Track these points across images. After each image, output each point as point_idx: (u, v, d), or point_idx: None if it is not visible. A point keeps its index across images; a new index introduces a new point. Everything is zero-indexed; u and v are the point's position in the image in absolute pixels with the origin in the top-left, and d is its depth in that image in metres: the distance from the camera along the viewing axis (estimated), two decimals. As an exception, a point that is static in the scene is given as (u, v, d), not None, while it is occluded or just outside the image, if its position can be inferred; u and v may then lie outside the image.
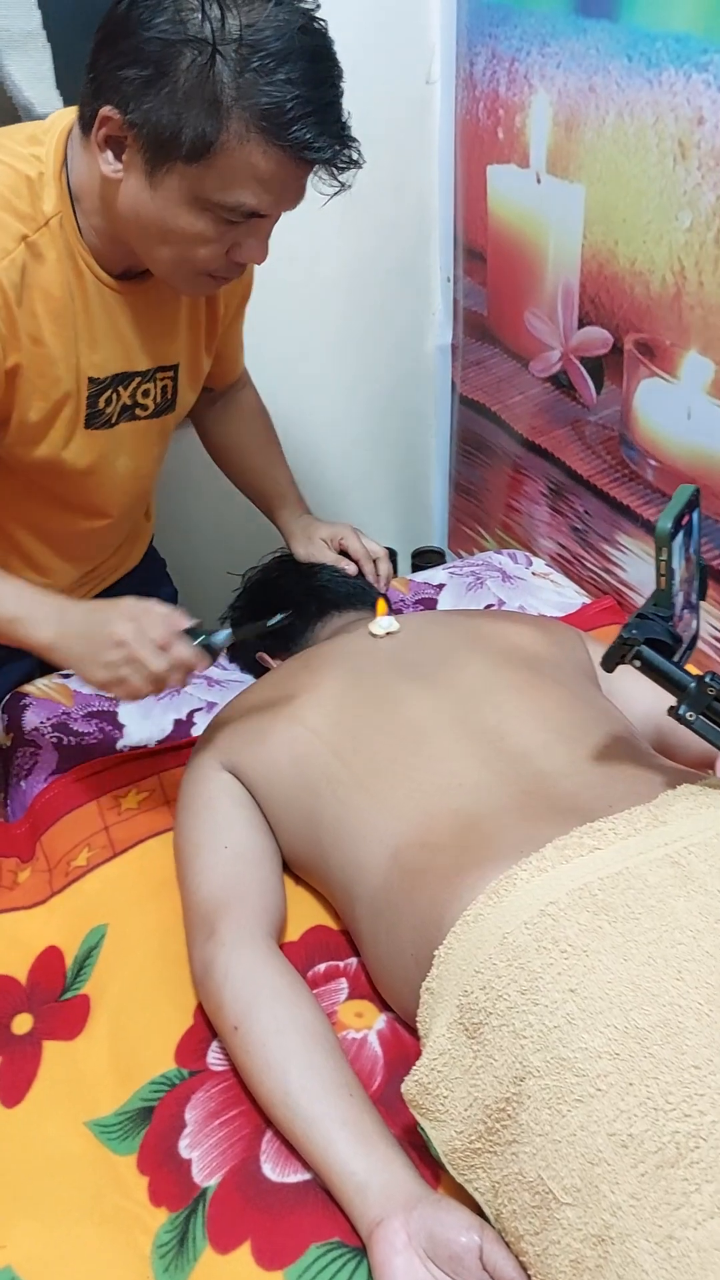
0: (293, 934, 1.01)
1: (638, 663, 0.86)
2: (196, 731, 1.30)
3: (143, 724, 1.32)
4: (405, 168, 1.73)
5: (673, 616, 0.86)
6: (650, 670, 0.85)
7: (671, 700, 0.85)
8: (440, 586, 1.61)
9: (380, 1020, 0.93)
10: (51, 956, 1.03)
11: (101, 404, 1.12)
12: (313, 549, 1.41)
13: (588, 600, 1.62)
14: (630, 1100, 0.68)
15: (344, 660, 1.10)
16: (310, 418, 1.86)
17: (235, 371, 1.41)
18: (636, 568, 1.56)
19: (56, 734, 1.29)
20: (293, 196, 0.98)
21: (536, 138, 1.48)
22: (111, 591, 1.41)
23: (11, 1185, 0.83)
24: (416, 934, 0.84)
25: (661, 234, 1.32)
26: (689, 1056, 0.67)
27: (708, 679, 0.84)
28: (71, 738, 1.29)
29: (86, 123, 0.95)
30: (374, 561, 1.40)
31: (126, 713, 1.34)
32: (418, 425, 1.99)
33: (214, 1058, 0.91)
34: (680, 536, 0.84)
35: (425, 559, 2.00)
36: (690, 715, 0.84)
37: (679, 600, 0.86)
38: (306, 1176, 0.81)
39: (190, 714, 1.34)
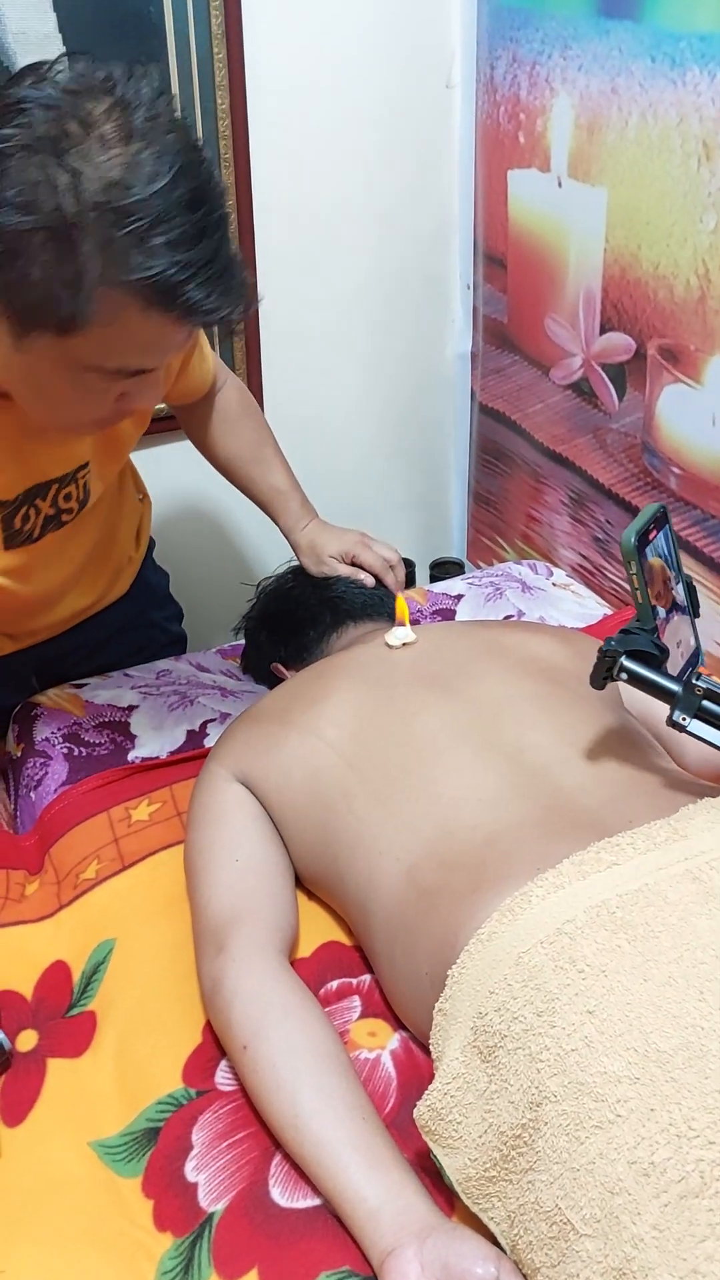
0: (305, 950, 0.99)
1: (624, 675, 0.86)
2: (209, 742, 1.28)
3: (154, 735, 1.31)
4: (425, 173, 1.72)
5: (655, 628, 0.86)
6: (637, 681, 0.86)
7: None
8: (459, 597, 1.59)
9: (394, 1040, 0.91)
10: (58, 971, 1.01)
11: (18, 523, 1.06)
12: (324, 569, 1.36)
13: (609, 611, 1.59)
14: (652, 1127, 0.66)
15: (359, 671, 1.08)
16: (329, 426, 1.84)
17: (204, 387, 1.29)
18: (659, 577, 1.53)
19: (67, 745, 1.28)
20: (181, 343, 0.88)
21: (558, 141, 1.47)
22: (106, 614, 1.38)
23: (12, 1208, 0.81)
24: (432, 953, 0.81)
25: (686, 236, 1.30)
26: (713, 1081, 0.65)
27: (693, 680, 0.84)
28: (82, 749, 1.28)
29: None
30: (390, 569, 1.38)
31: (138, 724, 1.32)
32: (437, 434, 1.97)
33: (222, 1077, 0.89)
34: (649, 551, 0.85)
35: (444, 570, 1.98)
36: (683, 719, 0.85)
37: (659, 611, 0.86)
38: (316, 1202, 0.78)
39: (203, 725, 1.33)
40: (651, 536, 0.87)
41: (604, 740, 0.95)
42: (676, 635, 0.90)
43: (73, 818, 1.16)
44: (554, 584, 1.65)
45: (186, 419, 1.35)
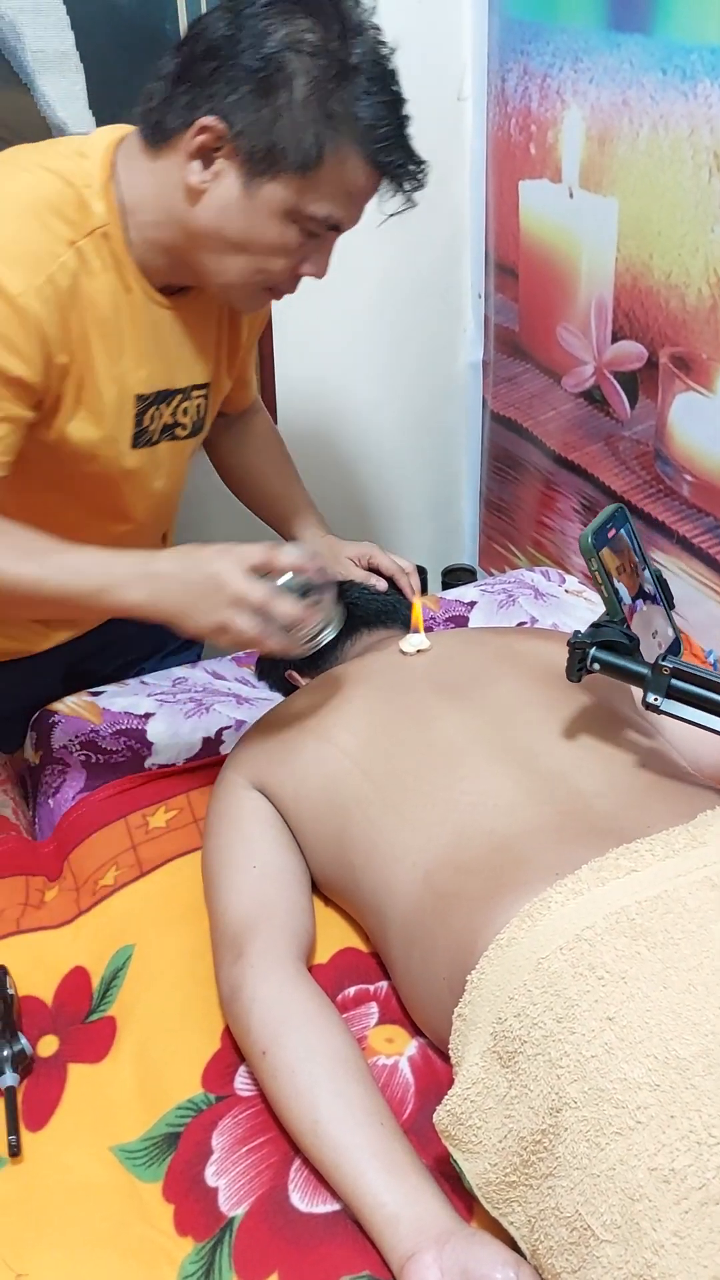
0: (322, 956, 1.00)
1: (596, 666, 0.91)
2: (225, 750, 1.29)
3: (171, 742, 1.31)
4: (437, 185, 1.69)
5: (624, 619, 0.90)
6: (609, 669, 0.91)
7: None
8: (472, 604, 1.60)
9: (412, 1046, 0.91)
10: (78, 977, 1.01)
11: (146, 421, 1.12)
12: (339, 569, 1.38)
13: (622, 618, 1.59)
14: (672, 1133, 0.66)
15: (374, 678, 1.09)
16: (341, 435, 1.85)
17: (250, 397, 1.39)
18: (672, 585, 1.52)
19: (84, 752, 1.29)
20: (362, 210, 1.03)
21: (569, 152, 1.48)
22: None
23: (34, 1212, 0.82)
24: (449, 958, 0.82)
25: (697, 246, 1.31)
26: (733, 1088, 0.65)
27: (660, 661, 0.88)
28: (99, 756, 1.28)
29: (163, 134, 0.97)
30: (405, 574, 1.39)
31: (155, 731, 1.33)
32: (449, 442, 1.98)
33: (241, 1082, 0.89)
34: (612, 546, 0.91)
35: (456, 577, 1.99)
36: (657, 700, 0.88)
37: (625, 604, 0.90)
38: (336, 1207, 0.79)
39: (219, 732, 1.33)
40: (611, 534, 0.92)
41: (620, 746, 0.95)
42: (650, 626, 0.94)
43: (91, 824, 1.17)
44: (566, 591, 1.65)
45: (221, 431, 1.36)
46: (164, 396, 1.12)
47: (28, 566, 0.96)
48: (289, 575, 0.98)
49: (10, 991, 0.97)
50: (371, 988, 0.97)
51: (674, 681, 0.89)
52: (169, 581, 0.96)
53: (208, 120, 0.94)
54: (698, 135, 1.26)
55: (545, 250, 1.60)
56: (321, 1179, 0.80)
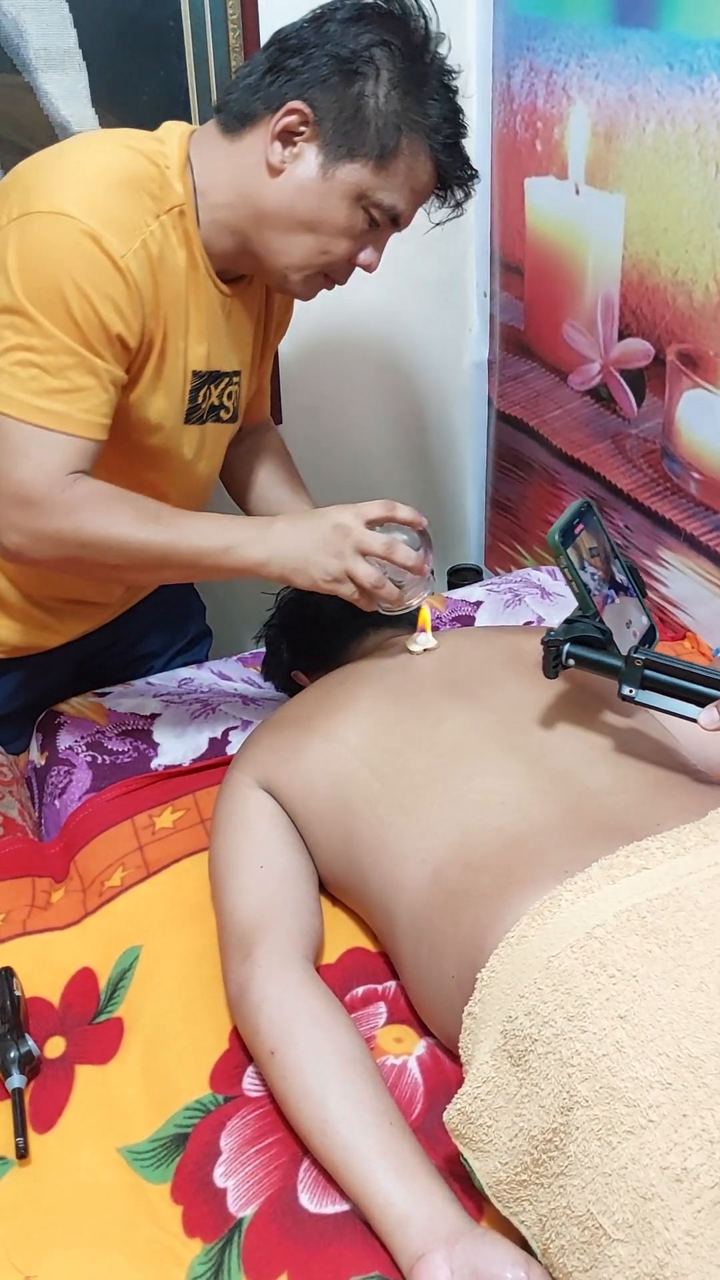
0: (330, 956, 0.99)
1: (571, 662, 0.93)
2: (231, 749, 1.29)
3: (177, 743, 1.31)
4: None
5: (596, 614, 0.91)
6: (584, 664, 0.92)
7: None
8: (478, 604, 1.59)
9: (420, 1046, 0.91)
10: (85, 978, 1.01)
11: (200, 398, 1.15)
12: None
13: (629, 616, 1.59)
14: (684, 1132, 0.65)
15: (382, 677, 1.09)
16: (347, 434, 1.85)
17: (265, 410, 1.42)
18: (679, 583, 1.52)
19: (90, 753, 1.28)
20: (414, 215, 1.10)
21: (575, 149, 1.47)
22: (148, 602, 1.41)
23: (43, 1214, 0.81)
24: (459, 957, 0.81)
25: (704, 243, 1.30)
26: (746, 1087, 0.64)
27: (633, 653, 0.90)
28: (105, 756, 1.28)
29: (245, 119, 1.04)
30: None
31: (161, 731, 1.32)
32: (455, 441, 1.97)
33: (250, 1083, 0.89)
34: (574, 545, 0.92)
35: (462, 576, 1.98)
36: (631, 692, 0.91)
37: (596, 598, 0.92)
38: (345, 1207, 0.78)
39: (225, 732, 1.33)
40: (578, 530, 0.93)
41: (628, 743, 0.95)
42: (624, 617, 0.95)
43: (97, 825, 1.17)
44: (573, 590, 1.65)
45: (234, 444, 1.35)
46: (214, 377, 1.16)
47: (159, 531, 1.03)
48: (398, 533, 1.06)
49: (17, 993, 0.96)
50: (380, 987, 0.96)
51: (647, 672, 0.90)
52: (288, 536, 1.04)
53: (295, 104, 1.01)
54: (704, 131, 1.25)
55: (551, 247, 1.59)
56: (330, 1179, 0.79)
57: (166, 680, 1.44)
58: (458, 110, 1.06)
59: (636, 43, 1.32)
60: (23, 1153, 0.85)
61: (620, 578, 0.97)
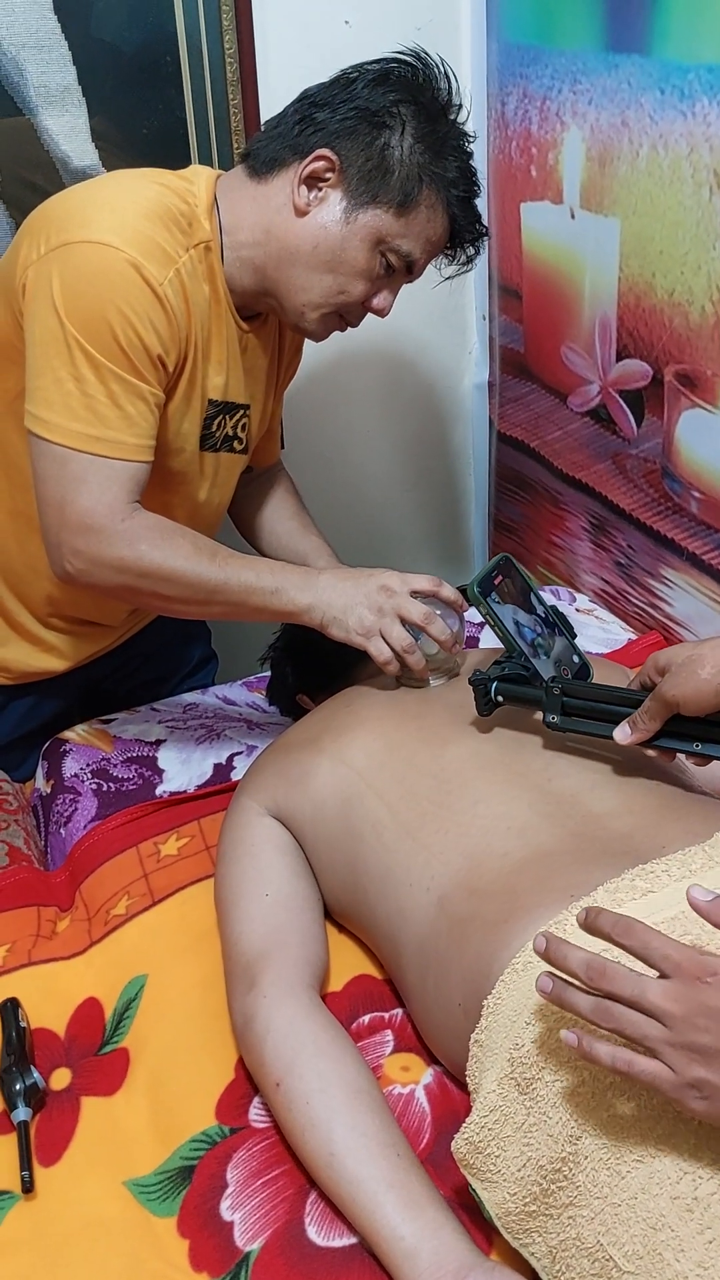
0: (335, 984, 0.99)
1: (500, 698, 0.98)
2: (236, 776, 1.28)
3: (182, 769, 1.31)
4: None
5: (522, 654, 0.98)
6: (511, 699, 0.98)
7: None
8: (483, 625, 1.59)
9: (427, 1074, 0.90)
10: (90, 1008, 1.00)
11: (214, 427, 1.18)
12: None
13: (634, 636, 1.58)
14: (693, 1161, 0.65)
15: (387, 700, 1.09)
16: (349, 458, 1.86)
17: (277, 453, 1.44)
18: (683, 602, 1.52)
19: (96, 780, 1.28)
20: (426, 267, 1.15)
21: (570, 174, 1.48)
22: (153, 627, 1.41)
23: (49, 1248, 0.81)
24: (465, 984, 0.81)
25: (699, 264, 1.31)
26: (755, 1114, 0.63)
27: (549, 684, 0.96)
28: (111, 784, 1.28)
29: (273, 165, 1.09)
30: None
31: (166, 758, 1.32)
32: (456, 463, 1.98)
33: (256, 1114, 0.88)
34: (495, 595, 1.00)
35: (466, 598, 1.98)
36: (555, 719, 0.95)
37: (521, 642, 0.99)
38: (353, 1240, 0.78)
39: (230, 758, 1.33)
40: (498, 580, 1.01)
41: (631, 766, 0.95)
42: (558, 658, 1.02)
43: (102, 853, 1.17)
44: (577, 610, 1.65)
45: (244, 485, 1.36)
46: (229, 409, 1.19)
47: (214, 568, 1.07)
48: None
49: (22, 1024, 0.96)
50: (386, 1015, 0.96)
51: (566, 699, 0.95)
52: (335, 587, 1.10)
53: (323, 150, 1.06)
54: (697, 154, 1.26)
55: (548, 271, 1.60)
56: (338, 1212, 0.79)
57: (171, 706, 1.44)
58: (472, 171, 1.11)
59: (628, 68, 1.33)
60: (28, 1187, 0.84)
61: (549, 623, 1.04)
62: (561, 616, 1.07)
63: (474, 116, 1.66)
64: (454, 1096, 0.88)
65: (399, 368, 1.84)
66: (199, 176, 1.11)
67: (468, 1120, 0.74)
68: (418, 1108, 0.87)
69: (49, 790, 1.31)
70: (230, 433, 1.21)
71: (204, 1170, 0.84)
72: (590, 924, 0.67)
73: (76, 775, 1.29)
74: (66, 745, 1.34)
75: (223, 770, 1.31)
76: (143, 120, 1.44)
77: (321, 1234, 0.79)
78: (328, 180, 1.07)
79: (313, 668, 1.32)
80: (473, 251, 1.16)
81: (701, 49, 1.23)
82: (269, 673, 1.44)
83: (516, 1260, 0.74)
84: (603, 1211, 0.67)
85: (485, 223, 1.16)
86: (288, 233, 1.09)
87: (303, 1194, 0.81)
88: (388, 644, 1.08)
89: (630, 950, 0.65)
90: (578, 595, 1.71)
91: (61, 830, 1.25)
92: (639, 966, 0.65)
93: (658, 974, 0.64)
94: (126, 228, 1.00)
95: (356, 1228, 0.77)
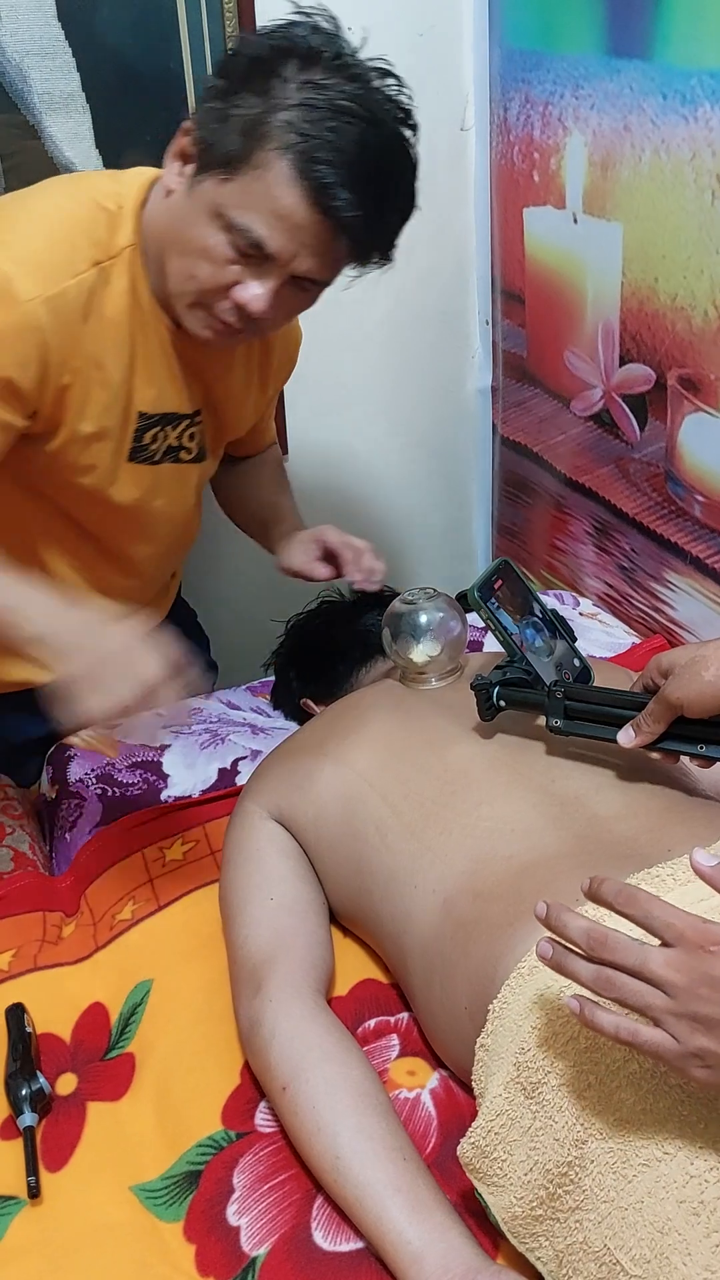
0: (341, 988, 0.99)
1: (503, 703, 0.98)
2: (241, 780, 1.29)
3: (187, 774, 1.31)
4: (442, 214, 1.74)
5: (523, 658, 0.98)
6: (514, 703, 0.98)
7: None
8: (485, 630, 1.59)
9: (433, 1079, 0.90)
10: (96, 1013, 1.01)
11: (147, 439, 1.13)
12: (292, 551, 1.28)
13: (637, 640, 1.58)
14: (700, 1164, 0.65)
15: (390, 703, 1.09)
16: (352, 462, 1.86)
17: (262, 443, 1.41)
18: (686, 606, 1.52)
19: (100, 785, 1.28)
20: (310, 253, 0.96)
21: (572, 179, 1.49)
22: None
23: (55, 1255, 0.81)
24: (470, 988, 0.81)
25: (702, 268, 1.31)
26: (762, 1118, 0.64)
27: (552, 688, 0.95)
28: (115, 789, 1.28)
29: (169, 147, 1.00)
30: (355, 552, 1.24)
31: (170, 763, 1.32)
32: (459, 467, 1.98)
33: (262, 1119, 0.88)
34: (495, 599, 0.99)
35: (466, 602, 1.98)
36: (558, 723, 0.95)
37: (525, 644, 0.99)
38: (360, 1245, 0.78)
39: (234, 762, 1.33)
40: (498, 585, 1.00)
41: (635, 768, 0.95)
42: (559, 662, 1.02)
43: (107, 859, 1.17)
44: (581, 613, 1.65)
45: (228, 464, 1.36)
46: (171, 419, 1.13)
47: None
48: None
49: (28, 1029, 0.96)
50: (392, 1019, 0.96)
51: (569, 703, 0.95)
52: (70, 624, 0.93)
53: (187, 121, 0.97)
54: (699, 159, 1.27)
55: (551, 276, 1.60)
56: (344, 1216, 0.79)
57: (176, 711, 1.44)
58: (359, 144, 0.91)
59: (630, 73, 1.33)
60: (34, 1192, 0.84)
61: (548, 627, 1.04)
62: (561, 620, 1.07)
63: (477, 122, 1.67)
64: (460, 1101, 0.88)
65: (402, 372, 1.84)
66: (135, 177, 1.04)
67: (473, 1124, 0.74)
68: (424, 1112, 0.87)
69: (54, 795, 1.31)
70: (175, 443, 1.15)
71: (210, 1175, 0.85)
72: (593, 893, 0.67)
73: (81, 780, 1.29)
74: (71, 750, 1.34)
75: (227, 775, 1.31)
76: (147, 126, 1.44)
77: (328, 1238, 0.79)
78: (191, 153, 0.97)
79: (317, 673, 1.32)
80: (361, 238, 0.96)
81: (703, 54, 1.23)
82: (273, 678, 1.44)
83: (523, 1265, 0.73)
84: (609, 1215, 0.67)
85: (380, 214, 0.96)
86: (160, 217, 1.01)
87: (309, 1198, 0.81)
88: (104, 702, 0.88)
89: (633, 919, 0.65)
90: (581, 599, 1.71)
91: (66, 835, 1.25)
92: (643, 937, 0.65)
93: (660, 943, 0.64)
94: (17, 239, 0.96)
95: (363, 1232, 0.77)
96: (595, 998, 0.65)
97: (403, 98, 0.97)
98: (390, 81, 0.96)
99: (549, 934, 0.69)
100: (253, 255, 0.95)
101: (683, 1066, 0.62)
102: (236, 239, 0.95)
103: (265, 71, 0.92)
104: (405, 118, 0.97)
